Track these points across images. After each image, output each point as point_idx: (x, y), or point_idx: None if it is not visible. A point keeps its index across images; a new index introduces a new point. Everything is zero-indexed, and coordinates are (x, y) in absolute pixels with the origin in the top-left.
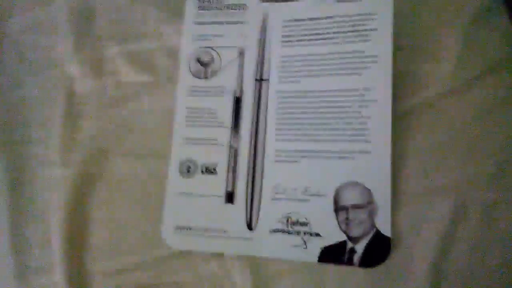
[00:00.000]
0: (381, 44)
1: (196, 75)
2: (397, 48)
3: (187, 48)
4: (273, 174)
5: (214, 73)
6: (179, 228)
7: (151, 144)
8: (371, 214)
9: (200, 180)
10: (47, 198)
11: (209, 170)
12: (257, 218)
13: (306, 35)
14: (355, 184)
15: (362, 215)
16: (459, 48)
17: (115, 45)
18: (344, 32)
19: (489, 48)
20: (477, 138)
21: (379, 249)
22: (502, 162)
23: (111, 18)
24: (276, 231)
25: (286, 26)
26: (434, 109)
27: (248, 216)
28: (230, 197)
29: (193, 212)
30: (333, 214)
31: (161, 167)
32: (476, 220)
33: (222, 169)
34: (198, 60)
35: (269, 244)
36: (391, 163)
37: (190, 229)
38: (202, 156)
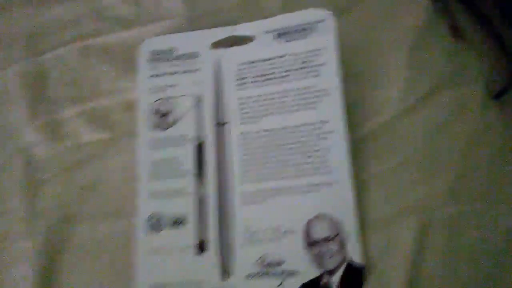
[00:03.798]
0: (330, 77)
1: (156, 127)
2: (347, 79)
3: (144, 101)
4: (243, 217)
5: (173, 122)
6: (153, 287)
7: (116, 203)
8: (342, 245)
9: (169, 234)
10: (14, 272)
11: (178, 222)
12: (232, 265)
13: (260, 75)
14: (323, 216)
15: (333, 247)
16: (405, 70)
17: (71, 106)
18: (295, 69)
19: (434, 68)
20: (433, 155)
21: (353, 279)
22: (459, 175)
23: (65, 80)
24: (252, 275)
25: (239, 69)
26: (389, 133)
27: (222, 264)
28: (202, 247)
29: (165, 268)
30: (306, 250)
31: (128, 225)
32: (442, 236)
33: (191, 219)
34: (156, 112)
35: None
36: (354, 191)
37: (164, 286)
38: (169, 209)
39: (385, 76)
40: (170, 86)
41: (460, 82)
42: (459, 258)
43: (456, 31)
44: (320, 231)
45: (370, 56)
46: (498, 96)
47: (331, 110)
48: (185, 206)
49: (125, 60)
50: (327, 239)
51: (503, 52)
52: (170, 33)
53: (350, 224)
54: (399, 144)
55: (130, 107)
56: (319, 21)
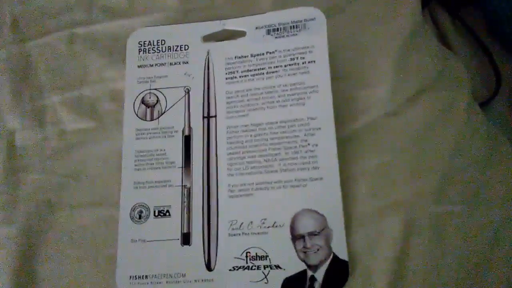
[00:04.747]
0: (320, 75)
1: (143, 118)
2: (336, 77)
3: (132, 91)
4: (229, 210)
5: (161, 114)
6: (135, 278)
7: (99, 193)
8: (327, 240)
9: (153, 225)
10: None
11: (163, 213)
12: (216, 258)
13: (249, 70)
14: (310, 211)
15: (318, 241)
16: (393, 72)
17: (56, 93)
18: (285, 65)
19: (422, 70)
20: (419, 155)
21: (338, 274)
22: (446, 175)
23: (51, 67)
24: (236, 268)
25: (229, 63)
26: (376, 132)
27: (206, 257)
28: (186, 239)
29: (148, 259)
30: (291, 244)
31: (111, 215)
32: (426, 235)
33: (176, 211)
34: (144, 102)
35: (230, 283)
36: (341, 187)
37: (146, 277)
38: (154, 200)
39: (374, 76)
40: (159, 77)
41: (447, 86)
42: (443, 257)
43: (442, 38)
44: (306, 226)
45: (360, 56)
46: (485, 103)
47: (320, 107)
48: (170, 197)
49: (113, 50)
50: (312, 234)
51: (489, 61)
52: (161, 25)
53: (336, 220)
54: (386, 143)
55: (116, 97)
56: (310, 19)
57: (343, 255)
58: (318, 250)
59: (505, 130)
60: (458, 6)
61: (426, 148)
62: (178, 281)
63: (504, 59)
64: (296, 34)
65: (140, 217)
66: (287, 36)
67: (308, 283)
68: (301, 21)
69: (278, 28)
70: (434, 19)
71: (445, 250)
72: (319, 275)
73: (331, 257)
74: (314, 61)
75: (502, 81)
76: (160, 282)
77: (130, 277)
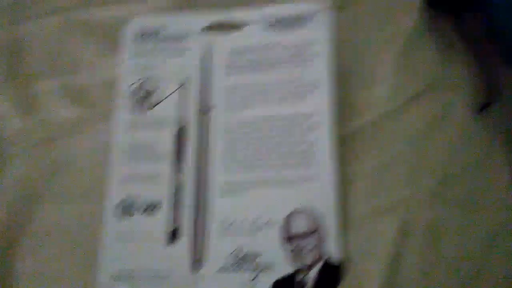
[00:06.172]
0: (322, 70)
1: (135, 108)
2: (337, 75)
3: (125, 80)
4: (220, 208)
5: (155, 105)
6: (118, 276)
7: (86, 185)
8: (320, 241)
9: (140, 220)
10: None
11: (151, 208)
12: (205, 256)
13: (249, 63)
14: (304, 211)
15: (311, 242)
16: (394, 71)
17: (47, 79)
18: (286, 59)
19: (422, 70)
20: (417, 157)
21: (330, 276)
22: (442, 179)
23: (43, 52)
24: (225, 268)
25: (229, 56)
26: (375, 132)
27: (195, 255)
28: (174, 236)
29: (133, 256)
30: (283, 245)
31: (97, 209)
32: (421, 238)
33: (165, 207)
34: (137, 92)
35: (219, 283)
36: (337, 187)
37: (130, 275)
38: (142, 194)
39: (374, 75)
40: (155, 67)
41: (447, 88)
42: (437, 261)
43: (443, 42)
44: (299, 226)
45: (361, 54)
46: (482, 109)
47: (320, 103)
48: (160, 192)
49: (108, 37)
50: (306, 234)
51: (488, 68)
52: (159, 13)
53: (330, 220)
54: (384, 144)
55: (110, 85)
56: (313, 14)
57: (336, 256)
58: (310, 251)
59: (499, 136)
60: (460, 11)
61: (423, 150)
62: (164, 280)
63: (502, 65)
64: (299, 28)
65: (126, 212)
66: (290, 30)
67: (299, 285)
68: (304, 15)
69: (280, 22)
70: (435, 23)
71: (439, 255)
72: (311, 277)
73: (324, 258)
74: (316, 56)
75: (499, 87)
76: (144, 281)
77: (114, 275)
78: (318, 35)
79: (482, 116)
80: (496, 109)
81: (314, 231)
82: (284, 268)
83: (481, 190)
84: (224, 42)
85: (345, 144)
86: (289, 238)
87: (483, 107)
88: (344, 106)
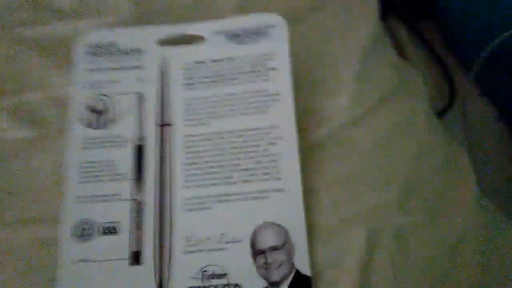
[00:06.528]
0: (281, 82)
1: (89, 125)
2: (298, 85)
3: (78, 97)
4: (184, 225)
5: (110, 121)
6: None
7: (38, 208)
8: (289, 254)
9: (99, 243)
10: None
11: (110, 230)
12: (169, 278)
13: (208, 76)
14: (271, 224)
15: (280, 256)
16: (354, 81)
17: None
18: (245, 72)
19: (382, 81)
20: (381, 165)
21: None
22: (408, 185)
23: None
24: (193, 287)
25: (187, 69)
26: (337, 142)
27: (158, 277)
28: (136, 258)
29: (93, 281)
30: (251, 260)
31: (51, 233)
32: (389, 246)
33: (125, 227)
34: (91, 109)
35: None
36: (303, 198)
37: None
38: (100, 215)
39: (335, 86)
40: (109, 82)
41: (406, 96)
42: (406, 268)
43: (400, 50)
44: (267, 240)
45: (321, 65)
46: (441, 114)
47: (282, 116)
48: (118, 212)
49: (58, 54)
50: (274, 249)
51: (444, 74)
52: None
53: (298, 233)
54: (347, 153)
55: (60, 103)
56: (271, 26)
57: (305, 270)
58: (280, 265)
59: (460, 139)
60: (415, 20)
61: (387, 158)
62: None
63: (459, 72)
64: (258, 41)
65: (83, 235)
66: (247, 42)
67: None
68: (262, 27)
69: (238, 34)
70: (391, 32)
71: (408, 262)
72: None
73: (293, 272)
74: (276, 69)
75: (456, 92)
76: None
77: None
78: (277, 47)
79: (443, 121)
80: (455, 113)
81: (282, 244)
82: (254, 285)
83: (447, 194)
84: (182, 56)
85: (309, 155)
86: (258, 253)
87: (443, 111)
88: (307, 116)
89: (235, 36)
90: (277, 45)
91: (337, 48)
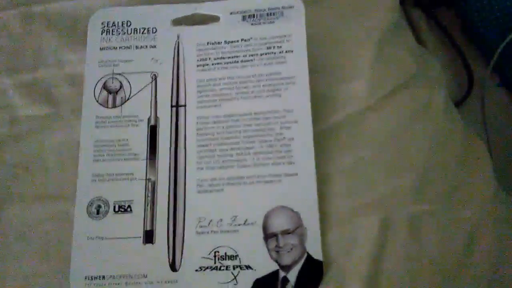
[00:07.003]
0: (297, 65)
1: (104, 104)
2: (313, 70)
3: (92, 75)
4: (197, 206)
5: (124, 101)
6: (91, 279)
7: (53, 185)
8: (301, 239)
9: (113, 221)
10: None
11: (124, 208)
12: (181, 257)
13: (222, 58)
14: (283, 208)
15: (292, 240)
16: (371, 67)
17: (9, 76)
18: (260, 54)
19: (399, 66)
20: (397, 152)
21: (311, 275)
22: (423, 174)
23: (4, 47)
24: (203, 268)
25: (201, 50)
26: (353, 127)
27: (171, 256)
28: (149, 237)
29: (106, 258)
30: (263, 243)
31: (66, 210)
32: (403, 234)
33: (138, 206)
34: (105, 88)
35: (197, 284)
36: (317, 184)
37: (103, 278)
38: (114, 194)
39: (351, 70)
40: (123, 61)
41: (424, 83)
42: (420, 257)
43: (417, 37)
44: (279, 224)
45: (337, 49)
46: (459, 103)
47: (297, 99)
48: (132, 191)
49: (72, 31)
50: (286, 233)
51: (463, 62)
52: (125, 6)
53: (311, 218)
54: (363, 140)
55: (75, 81)
56: (288, 7)
57: (317, 255)
58: (291, 249)
59: (477, 129)
60: (433, 6)
61: (403, 145)
62: (139, 282)
63: (477, 60)
64: (273, 22)
65: (98, 213)
66: (263, 23)
67: (280, 284)
68: (278, 8)
69: (254, 15)
70: (409, 18)
71: (421, 251)
72: (292, 275)
73: (305, 257)
74: (292, 51)
75: (475, 81)
76: (119, 283)
77: (86, 278)
78: (293, 29)
79: (460, 109)
80: (473, 102)
81: (295, 229)
82: (265, 267)
83: (463, 184)
84: (196, 36)
85: (324, 139)
86: (269, 236)
87: (461, 100)
88: (322, 101)
89: (250, 16)
90: (293, 26)
91: (354, 32)
